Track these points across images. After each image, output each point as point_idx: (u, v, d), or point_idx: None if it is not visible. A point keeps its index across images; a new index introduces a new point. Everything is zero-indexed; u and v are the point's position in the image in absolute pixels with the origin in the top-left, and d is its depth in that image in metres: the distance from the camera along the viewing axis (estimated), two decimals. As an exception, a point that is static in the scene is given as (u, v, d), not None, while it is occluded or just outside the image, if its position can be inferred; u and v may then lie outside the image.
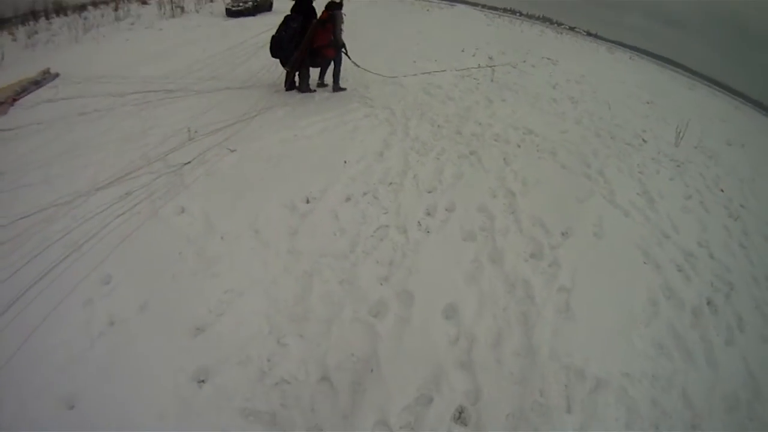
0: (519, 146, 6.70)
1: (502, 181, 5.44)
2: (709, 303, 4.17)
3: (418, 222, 4.42)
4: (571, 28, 42.85)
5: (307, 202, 4.50)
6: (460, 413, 2.66)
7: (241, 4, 20.94)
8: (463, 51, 13.78)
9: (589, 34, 42.28)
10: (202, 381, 2.68)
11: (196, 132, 5.73)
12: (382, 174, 5.20)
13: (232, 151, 5.35)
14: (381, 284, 3.55)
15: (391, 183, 5.05)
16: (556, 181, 5.73)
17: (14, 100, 7.07)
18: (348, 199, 4.62)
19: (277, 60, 7.45)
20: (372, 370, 2.82)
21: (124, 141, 5.49)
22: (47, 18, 18.47)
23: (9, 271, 3.25)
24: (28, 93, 7.44)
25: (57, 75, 8.61)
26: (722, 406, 3.15)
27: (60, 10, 22.03)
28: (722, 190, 7.10)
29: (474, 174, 5.56)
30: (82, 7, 22.92)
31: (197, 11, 21.44)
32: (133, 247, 3.67)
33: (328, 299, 3.36)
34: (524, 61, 14.07)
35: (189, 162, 5.01)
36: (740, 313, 4.17)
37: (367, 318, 3.23)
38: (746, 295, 4.48)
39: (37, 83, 7.95)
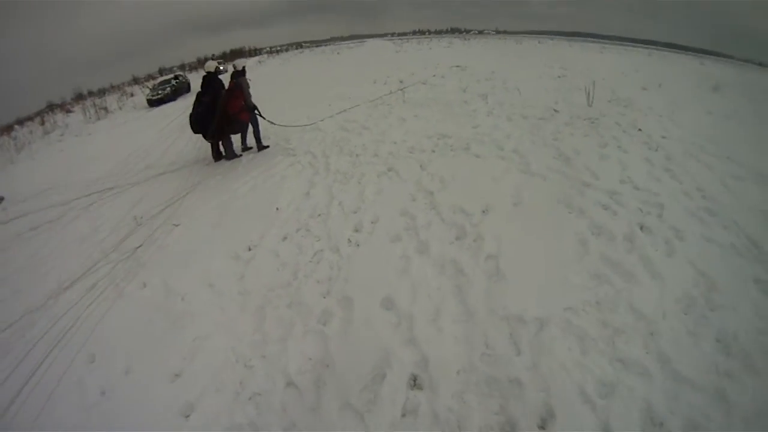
0: (433, 151, 7.11)
1: (419, 185, 5.82)
2: (642, 227, 4.38)
3: (348, 239, 4.79)
4: (480, 32, 44.71)
5: (249, 249, 4.91)
6: (414, 380, 2.97)
7: (159, 92, 21.65)
8: (375, 82, 14.50)
9: (497, 32, 44.17)
10: (188, 415, 3.05)
11: (141, 218, 6.21)
12: (311, 210, 5.60)
13: (176, 225, 5.80)
14: (324, 297, 3.93)
15: (319, 215, 5.44)
16: (472, 171, 6.09)
17: None
18: (284, 238, 5.01)
19: (200, 135, 7.97)
20: (328, 365, 3.16)
21: (79, 242, 5.95)
22: None
23: (2, 377, 3.66)
24: None
25: (2, 198, 8.90)
26: (677, 308, 3.32)
27: None
28: (640, 130, 7.50)
29: (393, 186, 5.93)
30: (9, 128, 23.22)
31: (120, 108, 21.99)
32: (108, 326, 4.12)
33: (280, 322, 3.73)
34: (434, 75, 14.79)
35: (141, 245, 5.46)
36: (676, 226, 4.37)
37: (317, 327, 3.59)
38: (680, 210, 4.69)
39: None
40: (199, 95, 7.85)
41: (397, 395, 2.88)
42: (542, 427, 2.58)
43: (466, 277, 3.89)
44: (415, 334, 3.31)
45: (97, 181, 8.68)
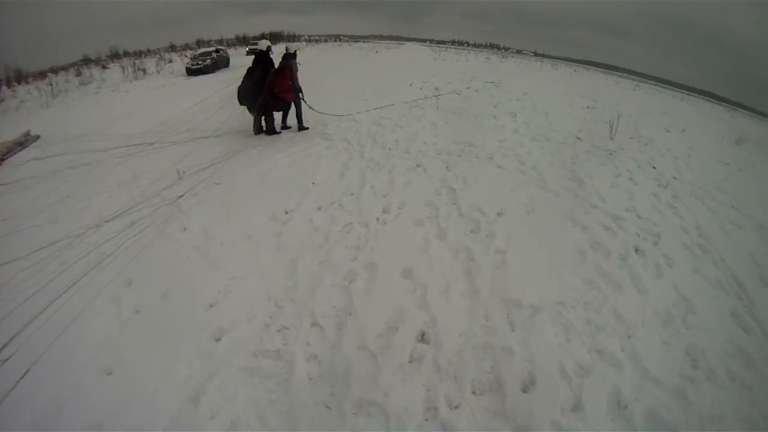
0: (460, 156, 7.62)
1: (444, 183, 6.35)
2: (636, 250, 4.85)
3: (377, 218, 5.34)
4: (518, 51, 44.96)
5: (286, 213, 5.44)
6: (422, 336, 3.49)
7: (200, 62, 21.86)
8: (411, 85, 15.00)
9: (536, 54, 44.40)
10: (219, 339, 3.52)
11: (184, 172, 6.67)
12: (345, 188, 6.15)
13: (218, 184, 6.28)
14: (351, 261, 4.47)
15: (352, 194, 5.99)
16: (493, 178, 6.61)
17: (2, 159, 7.96)
18: (319, 209, 5.55)
19: (245, 108, 8.61)
20: (350, 314, 3.69)
21: (119, 185, 6.40)
22: (9, 86, 19.22)
23: (40, 284, 4.16)
24: (14, 153, 8.34)
25: (38, 137, 9.47)
26: (655, 320, 3.77)
27: (21, 78, 22.82)
28: (654, 167, 7.89)
29: (420, 180, 6.48)
30: (42, 75, 23.75)
31: (158, 72, 22.40)
32: (147, 258, 4.57)
33: (310, 275, 4.26)
34: (468, 88, 15.25)
35: (182, 195, 5.93)
36: (669, 254, 4.84)
37: (343, 283, 4.12)
38: (675, 242, 5.16)
39: (20, 144, 8.84)
40: (250, 70, 8.39)
41: (407, 345, 3.38)
42: (524, 391, 3.03)
43: (476, 263, 4.40)
44: (428, 300, 3.84)
45: (136, 136, 9.15)
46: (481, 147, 8.14)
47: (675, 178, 7.52)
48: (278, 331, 3.59)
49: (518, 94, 14.60)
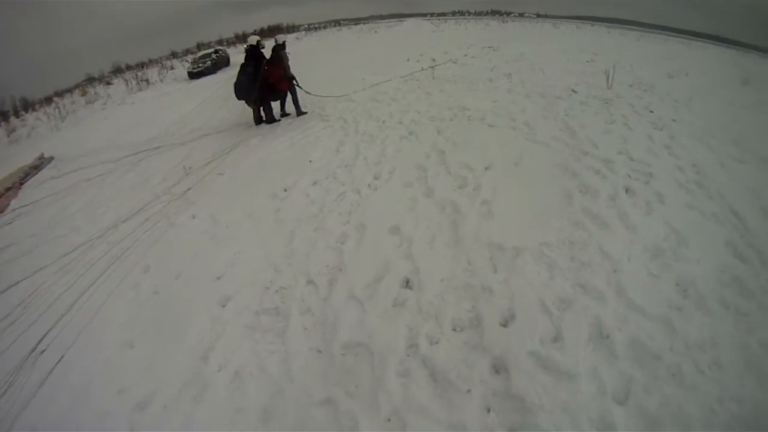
0: (451, 120, 7.75)
1: (434, 146, 6.53)
2: (627, 190, 4.77)
3: (368, 184, 5.63)
4: (520, 15, 44.25)
5: (285, 190, 5.83)
6: (406, 282, 3.78)
7: (200, 65, 22.32)
8: (408, 60, 15.03)
9: (538, 15, 43.65)
10: (224, 304, 3.95)
11: (190, 168, 7.11)
12: (339, 162, 6.46)
13: (221, 174, 6.70)
14: (343, 225, 4.80)
15: (346, 165, 6.30)
16: (483, 137, 6.73)
17: (21, 183, 8.54)
18: (315, 183, 5.90)
19: (243, 102, 8.97)
20: (341, 270, 4.03)
21: (132, 189, 6.88)
22: (17, 116, 19.98)
23: (69, 284, 4.67)
24: (31, 177, 8.93)
25: (52, 158, 10.05)
26: (644, 255, 3.73)
27: (28, 106, 23.59)
28: (651, 111, 7.77)
29: (411, 147, 6.68)
30: (48, 100, 24.50)
31: (161, 80, 22.88)
32: (161, 247, 5.07)
33: (306, 241, 4.63)
34: (465, 55, 15.22)
35: (190, 188, 6.36)
36: (661, 192, 4.71)
37: (335, 245, 4.47)
38: (669, 180, 5.00)
39: (36, 167, 9.44)
40: (242, 66, 8.77)
41: (391, 291, 3.69)
42: (504, 325, 3.22)
43: (461, 215, 4.62)
44: (412, 252, 4.11)
45: (144, 143, 9.68)
46: (474, 109, 8.23)
47: (674, 120, 7.38)
48: (276, 291, 3.99)
49: (515, 56, 14.46)
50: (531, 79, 10.71)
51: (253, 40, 8.91)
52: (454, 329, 3.27)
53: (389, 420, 2.72)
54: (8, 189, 8.31)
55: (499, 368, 2.92)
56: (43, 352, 3.82)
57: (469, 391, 2.80)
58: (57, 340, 3.92)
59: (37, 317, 4.27)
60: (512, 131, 6.91)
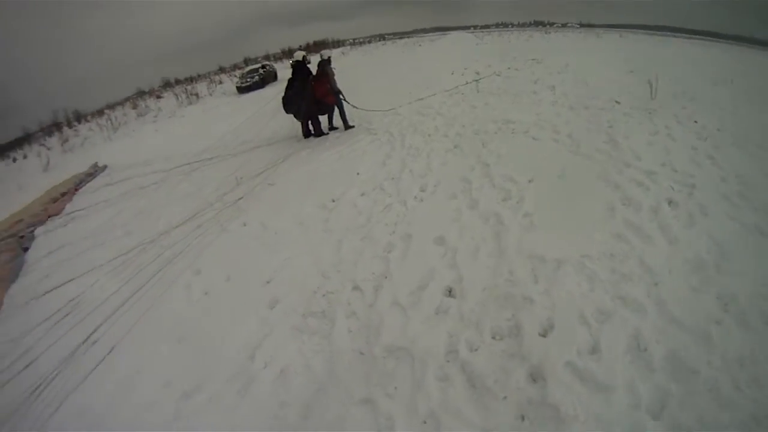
0: (496, 133, 7.87)
1: (479, 159, 6.67)
2: (669, 202, 4.70)
3: (414, 196, 5.82)
4: (563, 25, 43.78)
5: (333, 201, 6.08)
6: (449, 291, 3.93)
7: (248, 80, 23.13)
8: (452, 73, 15.19)
9: (581, 25, 43.06)
10: (273, 307, 4.22)
11: (241, 178, 7.47)
12: (386, 174, 6.69)
13: (272, 184, 7.03)
14: (389, 235, 5.00)
15: (392, 178, 6.51)
16: (527, 150, 6.82)
17: (76, 189, 9.21)
18: (362, 194, 6.14)
19: (291, 115, 9.43)
20: (386, 277, 4.23)
21: (185, 197, 7.31)
22: (70, 126, 21.13)
23: (121, 283, 5.09)
24: (85, 183, 9.66)
25: (105, 166, 10.75)
26: (685, 268, 3.66)
27: (81, 118, 24.90)
28: (695, 121, 7.61)
29: (456, 160, 6.83)
30: (100, 112, 25.76)
31: (210, 94, 23.85)
32: (212, 251, 5.41)
33: (353, 250, 4.84)
34: (509, 68, 15.23)
35: (241, 197, 6.70)
36: (704, 203, 4.60)
37: (381, 254, 4.67)
38: (712, 191, 4.88)
39: (90, 175, 10.21)
40: (290, 80, 9.22)
41: (434, 299, 3.84)
42: (542, 335, 3.29)
43: (504, 226, 4.73)
44: (456, 261, 4.26)
45: (196, 154, 10.20)
46: (518, 122, 8.30)
47: (718, 130, 7.19)
48: (324, 296, 4.21)
49: (559, 68, 14.36)
50: (574, 91, 10.67)
51: (299, 55, 9.30)
52: (494, 337, 3.37)
53: (425, 422, 2.83)
54: (63, 194, 8.97)
55: (536, 377, 2.98)
56: (94, 343, 4.20)
57: (505, 397, 2.88)
58: (108, 334, 4.29)
59: (90, 311, 4.67)
60: (555, 144, 6.97)
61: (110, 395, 3.57)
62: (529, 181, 5.68)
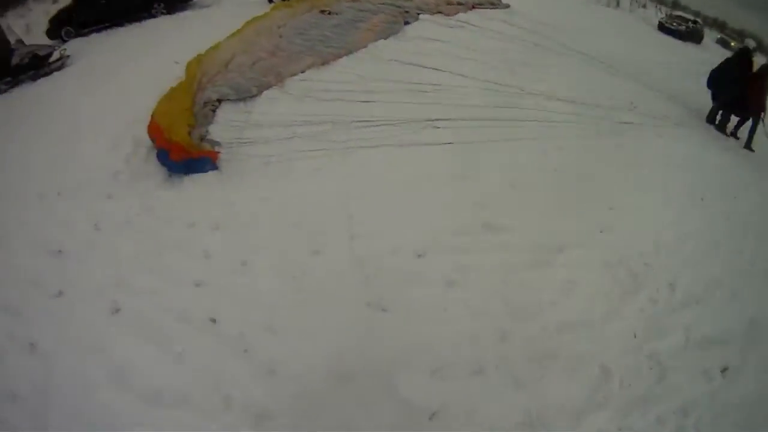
0: None
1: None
2: None
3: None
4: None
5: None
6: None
7: (674, 24, 20.87)
8: None
9: None
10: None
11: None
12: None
13: None
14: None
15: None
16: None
17: (473, 6, 9.76)
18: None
19: (709, 92, 9.01)
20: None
21: None
22: None
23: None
24: (483, 8, 10.02)
25: (508, 5, 10.94)
26: None
27: None
28: None
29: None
30: None
31: (630, 11, 23.35)
32: None
33: None
34: None
35: None
36: None
37: None
38: None
39: (493, 4, 10.50)
40: (728, 60, 8.93)
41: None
42: None
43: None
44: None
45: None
46: None
47: None
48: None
49: None
50: None
51: (750, 43, 9.03)
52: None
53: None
54: (459, 3, 9.67)
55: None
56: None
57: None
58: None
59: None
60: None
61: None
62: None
